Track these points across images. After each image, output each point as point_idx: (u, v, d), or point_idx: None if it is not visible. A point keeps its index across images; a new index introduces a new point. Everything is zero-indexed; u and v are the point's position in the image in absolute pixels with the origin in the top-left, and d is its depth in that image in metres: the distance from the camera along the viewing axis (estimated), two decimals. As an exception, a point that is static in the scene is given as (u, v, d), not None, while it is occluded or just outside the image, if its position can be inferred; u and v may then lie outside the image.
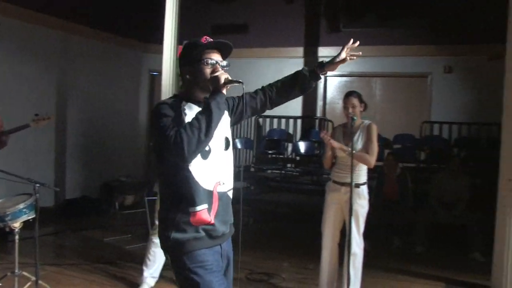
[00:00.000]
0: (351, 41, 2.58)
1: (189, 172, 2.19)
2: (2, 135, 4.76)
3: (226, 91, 2.26)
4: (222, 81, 2.21)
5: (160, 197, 2.41)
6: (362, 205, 4.24)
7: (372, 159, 4.21)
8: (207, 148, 2.22)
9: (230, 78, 2.25)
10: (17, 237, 4.16)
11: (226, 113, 2.39)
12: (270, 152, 9.47)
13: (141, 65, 10.26)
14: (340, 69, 9.25)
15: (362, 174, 4.28)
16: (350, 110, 4.23)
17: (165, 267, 4.75)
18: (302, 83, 2.52)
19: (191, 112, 2.24)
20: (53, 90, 8.17)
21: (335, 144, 4.18)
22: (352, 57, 2.58)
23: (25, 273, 4.24)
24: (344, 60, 2.55)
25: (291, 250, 6.21)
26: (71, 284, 4.80)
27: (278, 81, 2.58)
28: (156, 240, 4.54)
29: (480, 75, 8.88)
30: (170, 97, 2.39)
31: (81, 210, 7.95)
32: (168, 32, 6.21)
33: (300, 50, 10.07)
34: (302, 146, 9.25)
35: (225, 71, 2.31)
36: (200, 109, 2.25)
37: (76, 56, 8.53)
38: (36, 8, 7.67)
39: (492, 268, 4.98)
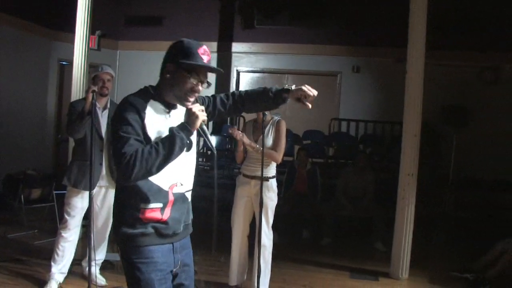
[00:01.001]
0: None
1: None
2: None
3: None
4: (198, 124, 2.19)
5: (116, 190, 2.38)
6: (271, 197, 4.37)
7: (280, 156, 4.36)
8: None
9: (206, 122, 2.23)
10: None
11: None
12: (181, 146, 9.41)
13: (50, 54, 9.81)
14: (253, 65, 9.41)
15: (271, 168, 4.42)
16: None
17: (74, 262, 4.64)
18: (267, 104, 2.52)
19: (153, 114, 2.21)
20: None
21: (246, 140, 4.28)
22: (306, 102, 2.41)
23: None
24: (308, 97, 2.38)
25: (202, 243, 6.21)
26: (-29, 284, 4.54)
27: (247, 93, 2.54)
28: (65, 234, 4.43)
29: (385, 77, 9.36)
30: (140, 90, 2.28)
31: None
32: (80, 21, 6.03)
33: (214, 45, 10.09)
34: (213, 140, 9.28)
35: (204, 88, 2.29)
36: (165, 110, 2.26)
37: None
38: None
39: (392, 256, 5.34)
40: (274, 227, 4.47)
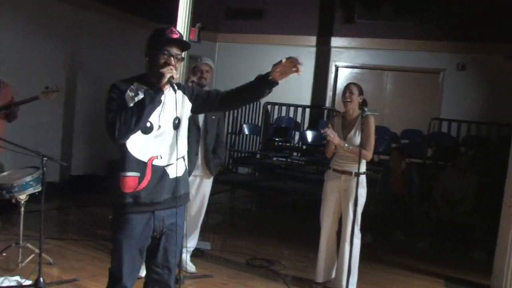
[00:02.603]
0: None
1: (124, 143, 2.48)
2: (12, 106, 4.81)
3: (167, 89, 2.50)
4: (166, 80, 2.45)
5: None
6: (361, 194, 4.23)
7: (369, 154, 4.26)
8: (148, 125, 2.49)
9: (174, 78, 2.48)
10: (22, 209, 4.27)
11: (186, 98, 2.64)
12: (277, 139, 9.46)
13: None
14: (352, 60, 9.20)
15: (362, 163, 4.29)
16: (347, 94, 4.29)
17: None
18: (257, 92, 2.56)
19: (138, 93, 2.50)
20: (63, 65, 8.13)
21: (336, 141, 4.20)
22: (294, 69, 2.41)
23: (29, 245, 4.35)
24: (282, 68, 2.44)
25: (292, 238, 6.23)
26: (74, 259, 4.81)
27: (237, 88, 2.61)
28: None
29: (493, 74, 8.83)
30: (127, 78, 2.61)
31: (87, 187, 7.97)
32: (181, 13, 6.18)
33: (313, 39, 10.02)
34: (309, 135, 9.23)
35: (177, 61, 2.54)
36: (148, 90, 2.52)
37: (88, 32, 8.47)
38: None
39: (493, 268, 4.98)
40: (366, 227, 4.34)
